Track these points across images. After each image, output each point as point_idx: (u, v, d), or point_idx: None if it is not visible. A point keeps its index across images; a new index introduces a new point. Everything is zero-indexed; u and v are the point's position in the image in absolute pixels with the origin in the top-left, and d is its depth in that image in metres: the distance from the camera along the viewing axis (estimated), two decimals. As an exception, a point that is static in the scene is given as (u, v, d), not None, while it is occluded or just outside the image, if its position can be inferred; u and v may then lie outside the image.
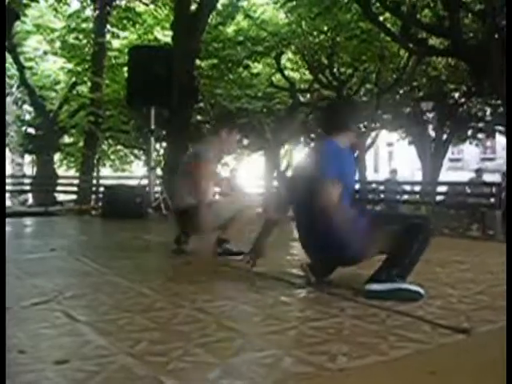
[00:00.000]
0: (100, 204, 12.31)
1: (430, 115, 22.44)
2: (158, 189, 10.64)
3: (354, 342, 2.51)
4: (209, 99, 20.16)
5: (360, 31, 17.40)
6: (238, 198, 5.11)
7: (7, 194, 15.62)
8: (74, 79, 20.41)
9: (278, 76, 21.75)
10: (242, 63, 19.13)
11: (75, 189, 16.72)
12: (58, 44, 20.12)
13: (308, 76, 22.12)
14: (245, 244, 4.48)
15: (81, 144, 20.08)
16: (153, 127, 10.73)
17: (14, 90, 20.68)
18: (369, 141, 23.63)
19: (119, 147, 28.34)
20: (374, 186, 19.74)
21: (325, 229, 3.48)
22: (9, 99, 20.00)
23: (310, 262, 3.87)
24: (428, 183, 19.21)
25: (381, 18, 15.37)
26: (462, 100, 21.98)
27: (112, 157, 29.93)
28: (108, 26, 17.52)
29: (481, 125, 24.27)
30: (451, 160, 35.28)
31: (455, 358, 2.37)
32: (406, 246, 3.44)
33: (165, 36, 18.58)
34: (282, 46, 18.93)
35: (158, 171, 12.79)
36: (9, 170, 20.96)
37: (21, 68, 18.75)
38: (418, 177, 26.49)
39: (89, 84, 18.09)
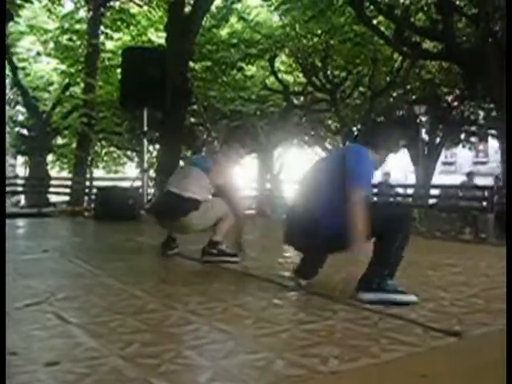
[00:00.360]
0: (93, 205, 12.27)
1: (424, 118, 22.49)
2: (151, 191, 10.62)
3: (346, 344, 2.52)
4: (202, 101, 20.13)
5: (354, 34, 17.43)
6: (231, 198, 5.09)
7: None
8: (67, 80, 20.38)
9: (272, 78, 21.74)
10: (235, 65, 19.10)
11: (68, 190, 16.65)
12: (51, 45, 20.08)
13: (302, 79, 22.13)
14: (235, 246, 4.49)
15: (74, 145, 20.05)
16: (146, 129, 10.71)
17: (6, 90, 20.63)
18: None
19: (112, 149, 28.32)
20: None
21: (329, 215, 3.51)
22: (2, 100, 19.95)
23: (298, 263, 3.88)
24: (421, 186, 19.24)
25: (374, 22, 15.42)
26: (455, 103, 22.05)
27: (105, 158, 29.90)
28: (102, 28, 17.48)
29: (474, 128, 24.34)
30: (444, 163, 35.37)
31: (447, 362, 2.38)
32: (388, 245, 3.42)
33: (158, 38, 18.56)
34: (275, 48, 18.93)
35: (151, 173, 12.77)
36: (1, 170, 20.87)
37: (14, 69, 18.72)
38: (411, 180, 26.54)
39: (82, 85, 18.04)
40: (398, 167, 32.63)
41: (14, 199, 18.85)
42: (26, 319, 2.90)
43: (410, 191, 19.19)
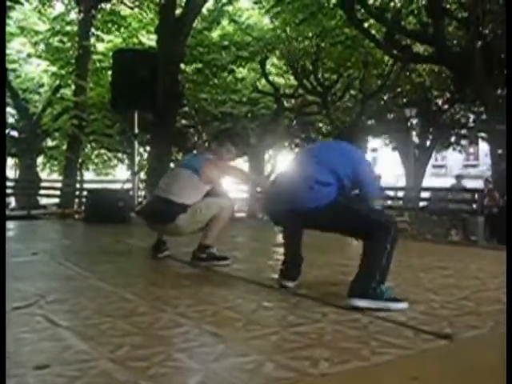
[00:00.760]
0: (83, 208, 12.23)
1: (414, 121, 22.56)
2: (141, 193, 10.60)
3: (336, 347, 2.51)
4: (193, 104, 20.14)
5: (344, 37, 17.50)
6: (222, 197, 5.06)
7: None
8: (57, 82, 20.33)
9: (263, 81, 21.78)
10: (226, 68, 19.12)
11: (58, 192, 16.62)
12: (42, 47, 20.05)
13: (293, 81, 22.17)
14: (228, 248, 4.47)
15: (64, 147, 20.00)
16: (136, 131, 10.69)
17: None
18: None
19: (103, 151, 28.25)
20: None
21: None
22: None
23: (281, 266, 3.92)
24: (411, 189, 19.31)
25: (365, 25, 15.48)
26: (446, 106, 22.13)
27: (95, 160, 29.85)
28: (92, 29, 17.48)
29: (464, 131, 24.43)
30: (434, 166, 35.48)
31: (437, 364, 2.38)
32: (378, 247, 3.43)
33: (149, 40, 18.57)
34: (266, 51, 18.98)
35: (142, 175, 12.75)
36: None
37: (4, 70, 18.65)
38: (402, 183, 26.60)
39: (73, 87, 18.00)
40: (388, 170, 32.76)
41: (4, 201, 18.76)
42: (14, 322, 2.88)
43: (400, 194, 19.25)
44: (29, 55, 20.74)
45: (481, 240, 10.54)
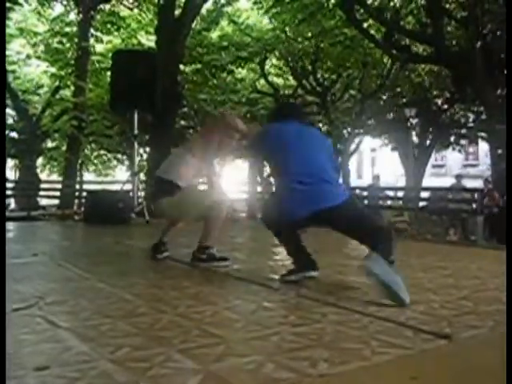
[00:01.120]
0: (83, 209, 12.23)
1: (414, 121, 22.57)
2: (141, 194, 10.59)
3: (336, 347, 2.51)
4: (193, 104, 20.14)
5: (344, 37, 17.50)
6: (216, 192, 5.05)
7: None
8: (57, 83, 20.34)
9: (262, 81, 21.80)
10: (226, 68, 19.12)
11: (58, 193, 16.62)
12: (41, 48, 20.03)
13: (292, 82, 22.18)
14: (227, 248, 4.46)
15: (64, 148, 20.01)
16: (136, 132, 10.68)
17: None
18: (352, 146, 23.70)
19: (102, 152, 28.25)
20: (357, 191, 19.78)
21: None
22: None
23: (294, 262, 4.00)
24: (411, 189, 19.31)
25: (364, 25, 15.48)
26: (445, 106, 22.13)
27: (95, 161, 29.84)
28: (92, 30, 17.49)
29: (463, 131, 24.43)
30: (434, 166, 35.45)
31: (437, 364, 2.38)
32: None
33: (149, 40, 18.59)
34: (266, 51, 18.99)
35: (142, 176, 12.74)
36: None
37: (3, 72, 18.64)
38: (402, 182, 26.61)
39: (72, 88, 18.00)
40: (388, 170, 32.77)
41: (4, 202, 18.76)
42: (14, 323, 2.87)
43: (400, 194, 19.26)
44: (28, 56, 20.71)
45: (480, 240, 10.54)
